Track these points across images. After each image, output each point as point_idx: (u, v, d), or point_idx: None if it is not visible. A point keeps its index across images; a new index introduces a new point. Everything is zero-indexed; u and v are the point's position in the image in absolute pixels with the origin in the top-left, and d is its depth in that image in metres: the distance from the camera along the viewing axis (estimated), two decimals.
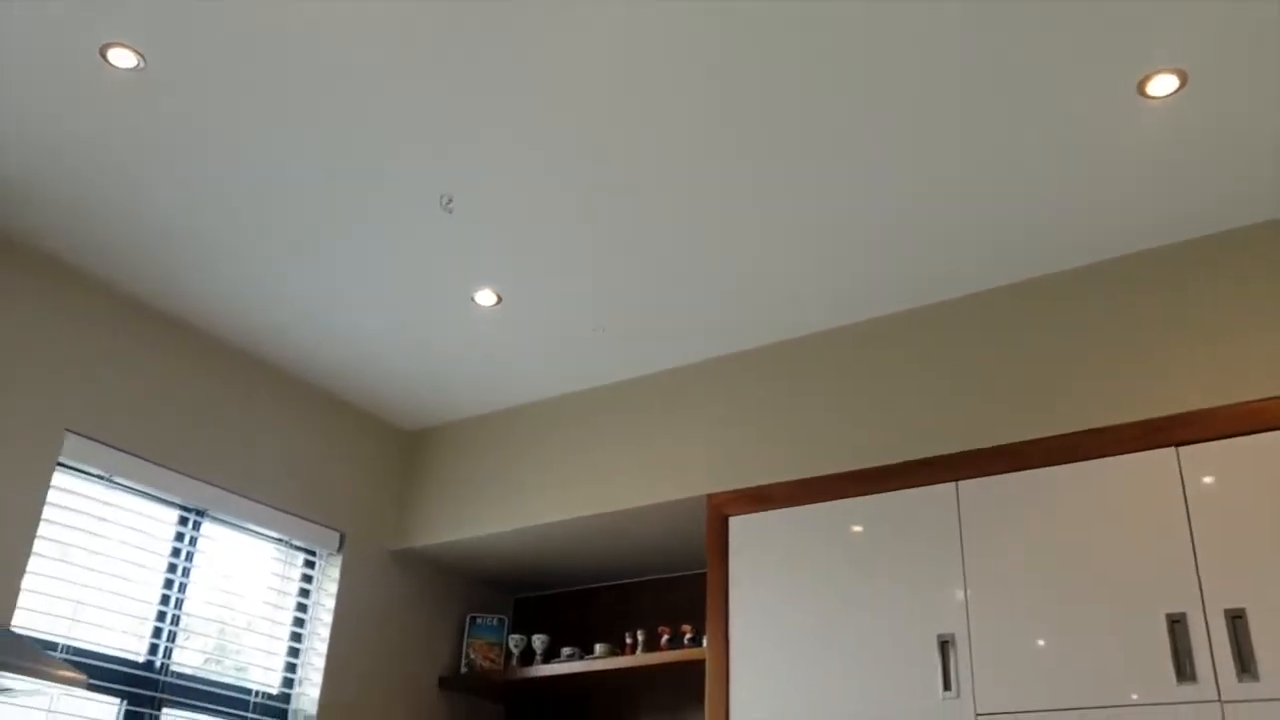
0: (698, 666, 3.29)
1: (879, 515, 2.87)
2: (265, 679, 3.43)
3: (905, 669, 2.69)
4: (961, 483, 2.78)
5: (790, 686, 2.83)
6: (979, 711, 2.56)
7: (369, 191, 2.68)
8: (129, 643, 3.07)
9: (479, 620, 4.01)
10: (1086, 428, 2.65)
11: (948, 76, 2.24)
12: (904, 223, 2.70)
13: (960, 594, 2.67)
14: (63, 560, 2.94)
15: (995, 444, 2.77)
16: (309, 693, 3.47)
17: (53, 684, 2.30)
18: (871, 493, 2.90)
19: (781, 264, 2.89)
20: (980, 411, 2.82)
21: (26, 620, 2.81)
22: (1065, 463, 2.66)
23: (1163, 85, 2.23)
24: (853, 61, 2.21)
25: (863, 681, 2.73)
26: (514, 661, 3.88)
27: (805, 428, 3.09)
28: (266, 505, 3.45)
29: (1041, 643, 2.54)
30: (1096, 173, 2.49)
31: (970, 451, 2.79)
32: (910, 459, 2.87)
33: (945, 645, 2.65)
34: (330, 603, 3.59)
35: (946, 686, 2.62)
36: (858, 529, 2.89)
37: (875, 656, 2.74)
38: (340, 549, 3.66)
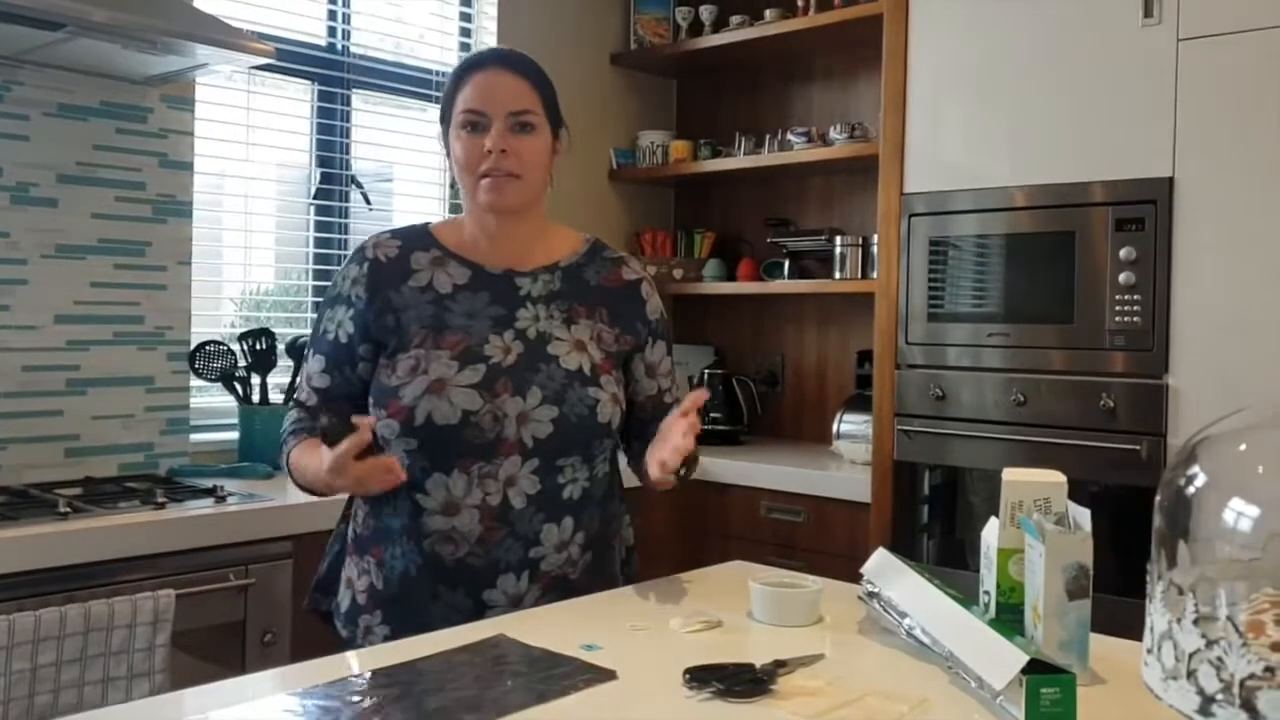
0: (872, 24, 3.15)
1: None
2: (443, 59, 3.51)
3: None
4: None
5: (972, 31, 2.70)
6: (1181, 37, 2.39)
7: None
8: (309, 26, 3.15)
9: None
10: None
11: None
12: None
13: None
14: None
15: None
16: None
17: (243, 54, 2.38)
18: None
19: None
20: None
21: (203, 4, 2.87)
22: None
23: None
24: None
25: (1056, 11, 2.56)
26: (682, 35, 3.83)
27: None
28: None
29: None
30: None
31: None
32: None
33: None
34: None
35: (1147, 14, 2.43)
36: None
37: None
38: None
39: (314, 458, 1.56)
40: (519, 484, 1.58)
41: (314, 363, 1.70)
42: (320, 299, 2.06)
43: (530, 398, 1.59)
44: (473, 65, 1.66)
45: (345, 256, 1.81)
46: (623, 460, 1.80)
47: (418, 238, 1.71)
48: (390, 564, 1.61)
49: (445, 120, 1.68)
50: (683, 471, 1.59)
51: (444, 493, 1.57)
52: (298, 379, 1.77)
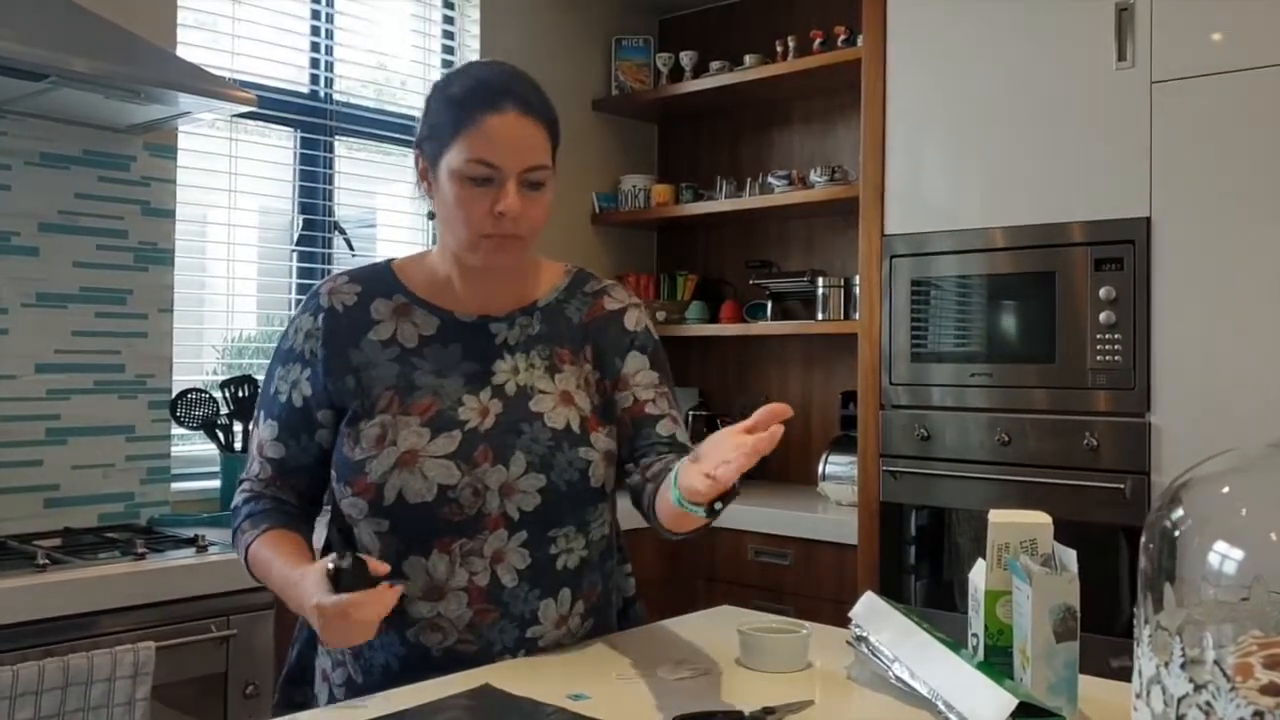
0: (851, 69, 3.19)
1: None
2: None
3: (1077, 42, 2.53)
4: None
5: (949, 74, 2.74)
6: (1155, 79, 2.43)
7: None
8: (292, 74, 3.16)
9: (625, 42, 3.95)
10: None
11: None
12: None
13: None
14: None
15: None
16: None
17: (225, 102, 2.39)
18: None
19: None
20: None
21: (186, 54, 2.89)
22: None
23: None
24: None
25: (1031, 55, 2.60)
26: (663, 80, 3.86)
27: None
28: None
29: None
30: None
31: None
32: None
33: (1123, 13, 2.47)
34: (475, 28, 3.57)
35: (1121, 58, 2.47)
36: None
37: (1045, 31, 2.58)
38: None
39: (284, 561, 1.38)
40: (507, 559, 1.42)
41: (266, 429, 1.49)
42: None
43: (514, 465, 1.42)
44: (486, 103, 1.36)
45: None
46: (624, 503, 1.55)
47: (378, 281, 1.51)
48: (368, 657, 1.44)
49: (435, 149, 1.41)
50: (718, 505, 1.22)
51: (424, 576, 1.40)
52: (250, 444, 1.54)
